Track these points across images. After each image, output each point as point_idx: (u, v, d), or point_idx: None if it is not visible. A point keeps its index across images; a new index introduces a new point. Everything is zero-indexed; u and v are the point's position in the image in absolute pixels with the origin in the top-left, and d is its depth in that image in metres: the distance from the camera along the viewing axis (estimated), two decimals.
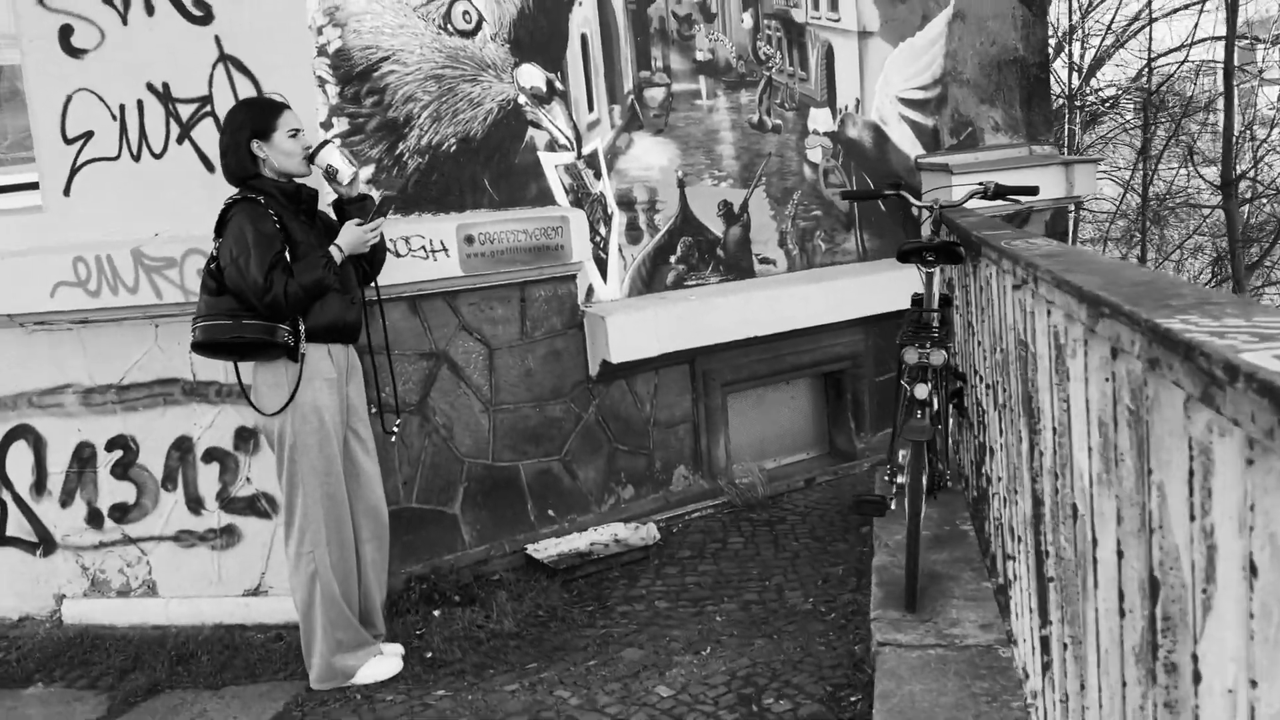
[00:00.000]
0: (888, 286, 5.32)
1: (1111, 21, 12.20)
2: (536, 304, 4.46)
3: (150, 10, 3.90)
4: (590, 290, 4.64)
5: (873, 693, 2.84)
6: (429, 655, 3.65)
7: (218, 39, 3.90)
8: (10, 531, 4.29)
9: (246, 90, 3.89)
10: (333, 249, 3.35)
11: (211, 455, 4.09)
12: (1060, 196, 6.13)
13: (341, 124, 3.99)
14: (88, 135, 3.99)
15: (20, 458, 4.23)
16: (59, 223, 4.03)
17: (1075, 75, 11.68)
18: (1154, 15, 11.22)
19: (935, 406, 3.41)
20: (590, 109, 4.62)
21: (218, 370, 3.99)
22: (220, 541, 4.13)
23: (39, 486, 4.23)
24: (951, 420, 3.36)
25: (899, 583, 3.51)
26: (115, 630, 4.13)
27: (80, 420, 4.15)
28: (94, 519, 4.19)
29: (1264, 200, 9.64)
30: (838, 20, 5.39)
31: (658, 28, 4.79)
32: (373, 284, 3.66)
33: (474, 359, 4.33)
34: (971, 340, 3.23)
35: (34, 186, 4.19)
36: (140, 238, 3.95)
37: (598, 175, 4.65)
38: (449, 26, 4.21)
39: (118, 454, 4.15)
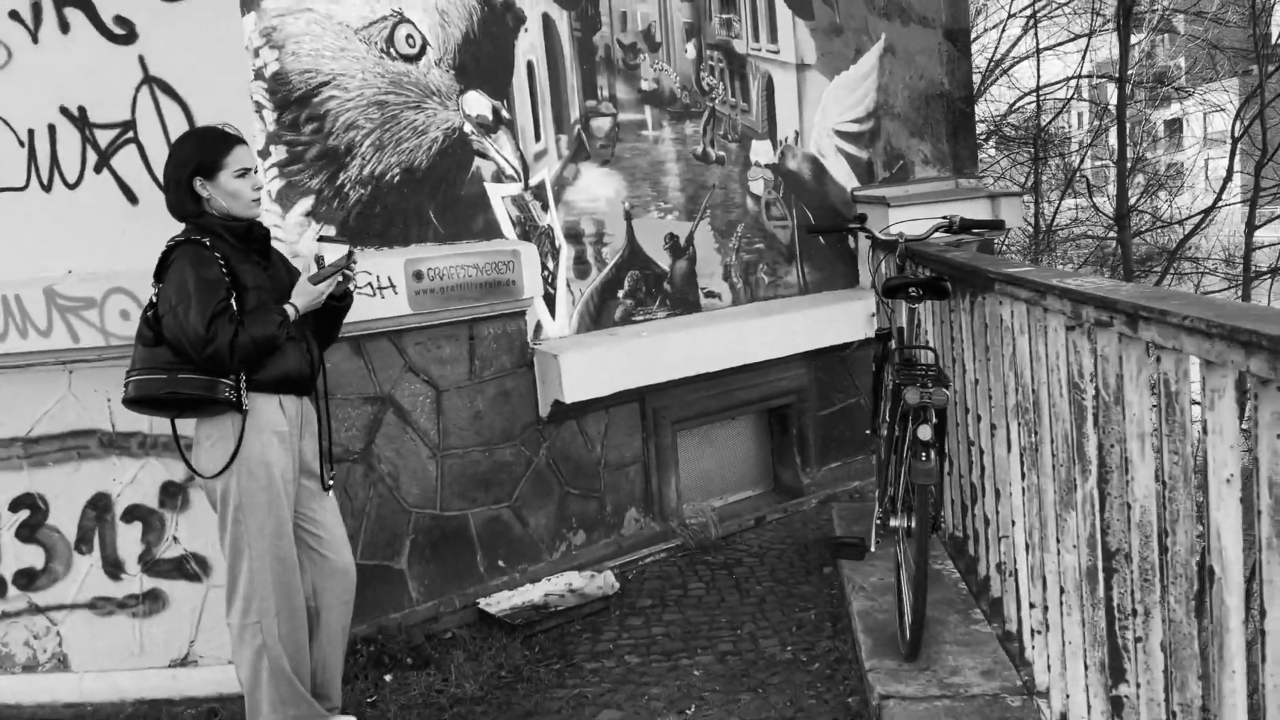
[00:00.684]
0: (831, 320, 5.28)
1: (994, 55, 12.59)
2: (486, 342, 4.23)
3: (65, 27, 3.57)
4: (539, 327, 4.43)
5: None
6: None
7: (142, 59, 3.58)
8: None
9: (174, 115, 3.59)
10: (288, 307, 3.07)
11: (133, 514, 3.72)
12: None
13: (280, 152, 3.70)
14: None
15: None
16: None
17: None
18: (1040, 48, 11.59)
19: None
20: (537, 138, 4.43)
21: (141, 419, 3.64)
22: (143, 608, 3.75)
23: None
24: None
25: (885, 629, 3.39)
26: (21, 711, 3.71)
27: None
28: None
29: (1156, 232, 10.03)
30: (777, 52, 5.33)
31: (603, 56, 4.64)
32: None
33: (421, 402, 4.07)
34: (964, 378, 3.15)
35: None
36: (52, 275, 3.59)
37: (545, 207, 4.46)
38: (392, 51, 3.97)
39: (24, 514, 3.74)
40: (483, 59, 4.23)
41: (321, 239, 3.21)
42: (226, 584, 3.11)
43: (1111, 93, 13.43)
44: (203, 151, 3.04)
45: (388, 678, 3.68)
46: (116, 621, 3.75)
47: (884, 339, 4.02)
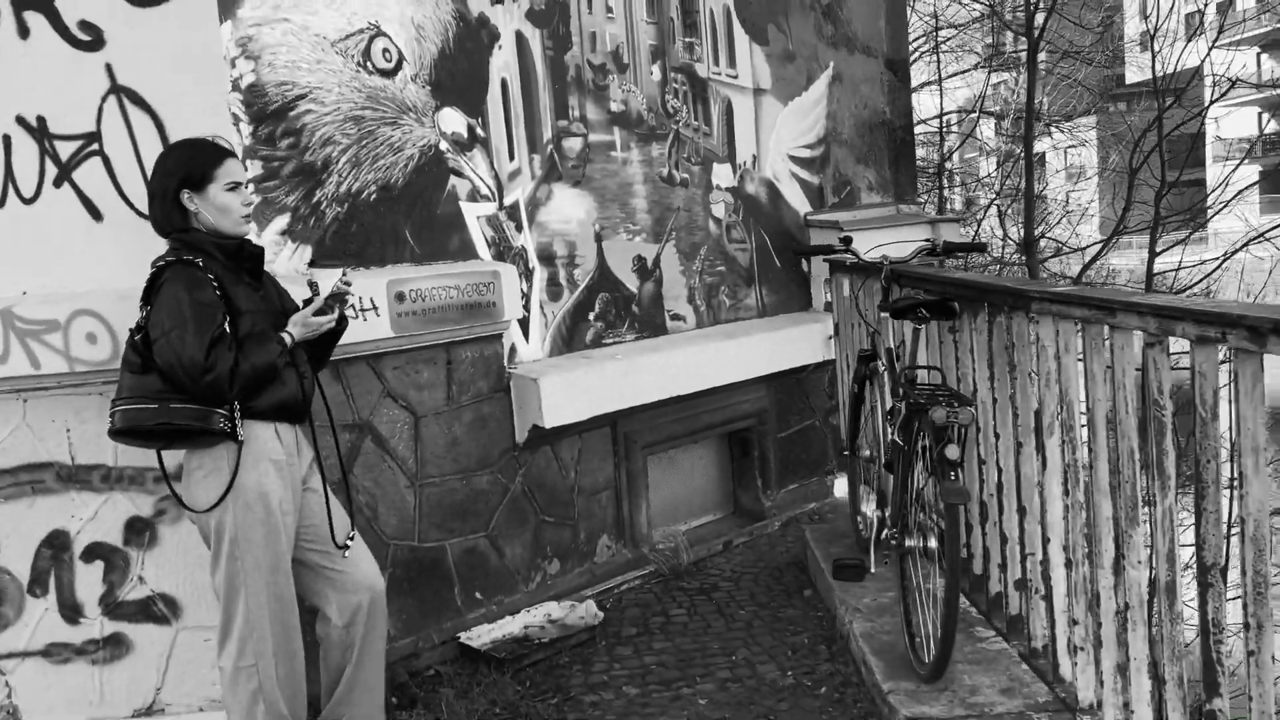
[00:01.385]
0: (792, 342, 5.31)
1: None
2: (463, 366, 4.09)
3: (24, 32, 3.33)
4: (513, 350, 4.31)
5: None
6: None
7: (109, 68, 3.36)
8: None
9: (145, 128, 3.38)
10: (285, 335, 2.90)
11: (94, 553, 3.46)
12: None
13: (255, 167, 3.52)
14: None
15: None
16: None
17: None
18: (943, 76, 11.93)
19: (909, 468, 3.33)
20: (511, 158, 4.33)
21: (104, 450, 3.40)
22: (103, 654, 3.49)
23: None
24: (924, 477, 3.27)
25: (893, 649, 3.38)
26: None
27: None
28: None
29: (1060, 258, 10.47)
30: (735, 77, 5.36)
31: (574, 76, 4.57)
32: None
33: (399, 429, 3.90)
34: (974, 397, 3.16)
35: None
36: (8, 296, 3.33)
37: (519, 228, 4.36)
38: (369, 64, 3.84)
39: None
40: (458, 75, 4.12)
41: (314, 264, 3.05)
42: (220, 624, 2.90)
43: (1011, 125, 13.92)
44: (192, 162, 2.86)
45: None
46: (74, 669, 3.47)
47: (867, 360, 4.04)
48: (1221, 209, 9.69)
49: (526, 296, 4.37)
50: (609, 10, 4.71)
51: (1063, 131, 16.15)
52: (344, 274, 3.00)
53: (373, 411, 3.83)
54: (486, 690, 3.62)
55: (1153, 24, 9.62)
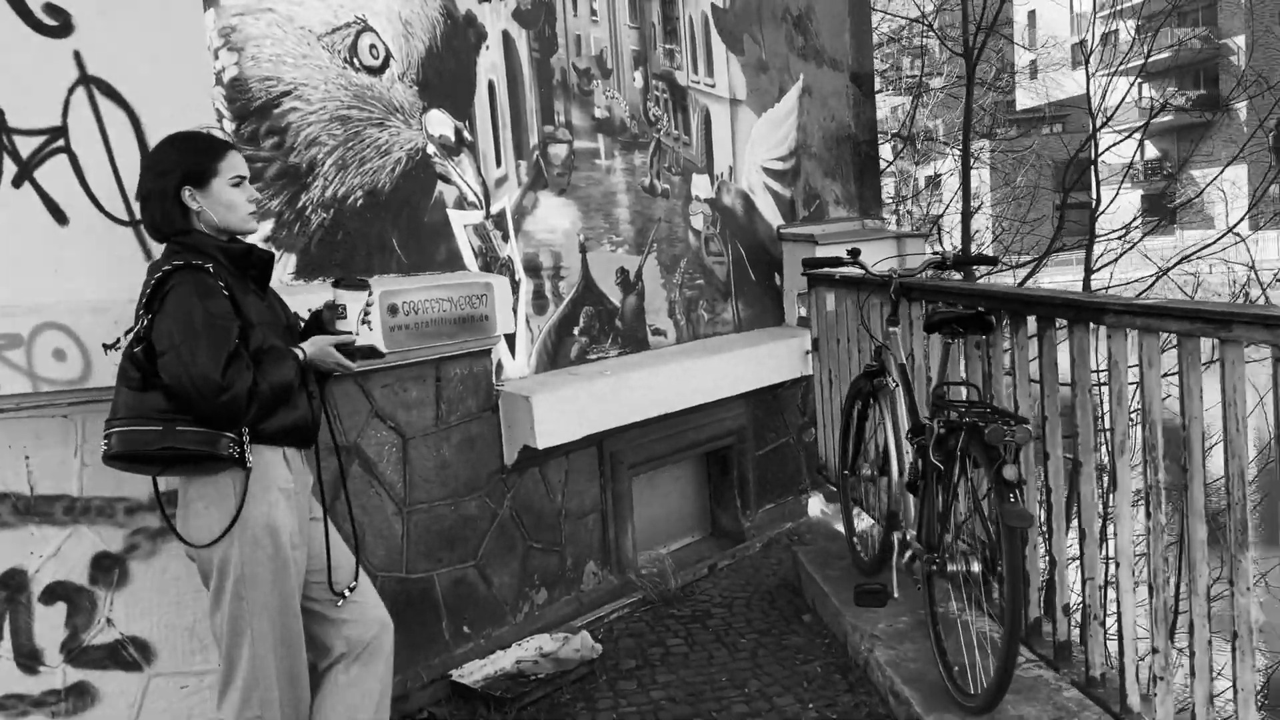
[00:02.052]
0: (772, 358, 5.18)
1: None
2: (452, 384, 3.84)
3: None
4: (499, 366, 4.08)
5: None
6: None
7: (78, 56, 3.04)
8: None
9: (118, 123, 3.06)
10: (298, 351, 2.64)
11: (55, 593, 3.10)
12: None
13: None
14: None
15: None
16: None
17: None
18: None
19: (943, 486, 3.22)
20: (498, 164, 4.11)
21: (67, 479, 3.06)
22: (65, 706, 3.13)
23: None
24: (966, 498, 3.13)
25: (923, 678, 3.24)
26: None
27: None
28: None
29: (988, 278, 10.62)
30: (713, 86, 5.22)
31: (560, 80, 4.37)
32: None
33: (387, 451, 3.64)
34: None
35: None
36: None
37: (505, 237, 4.13)
38: (355, 61, 3.58)
39: None
40: (445, 75, 3.88)
41: (337, 283, 2.78)
42: (221, 672, 2.61)
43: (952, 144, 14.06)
44: (192, 157, 2.58)
45: None
46: None
47: (872, 375, 3.91)
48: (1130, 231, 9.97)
49: (513, 309, 4.15)
50: (593, 14, 4.52)
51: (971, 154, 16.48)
52: (370, 295, 2.75)
53: (360, 433, 3.55)
54: None
55: (1089, 45, 9.83)
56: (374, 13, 3.64)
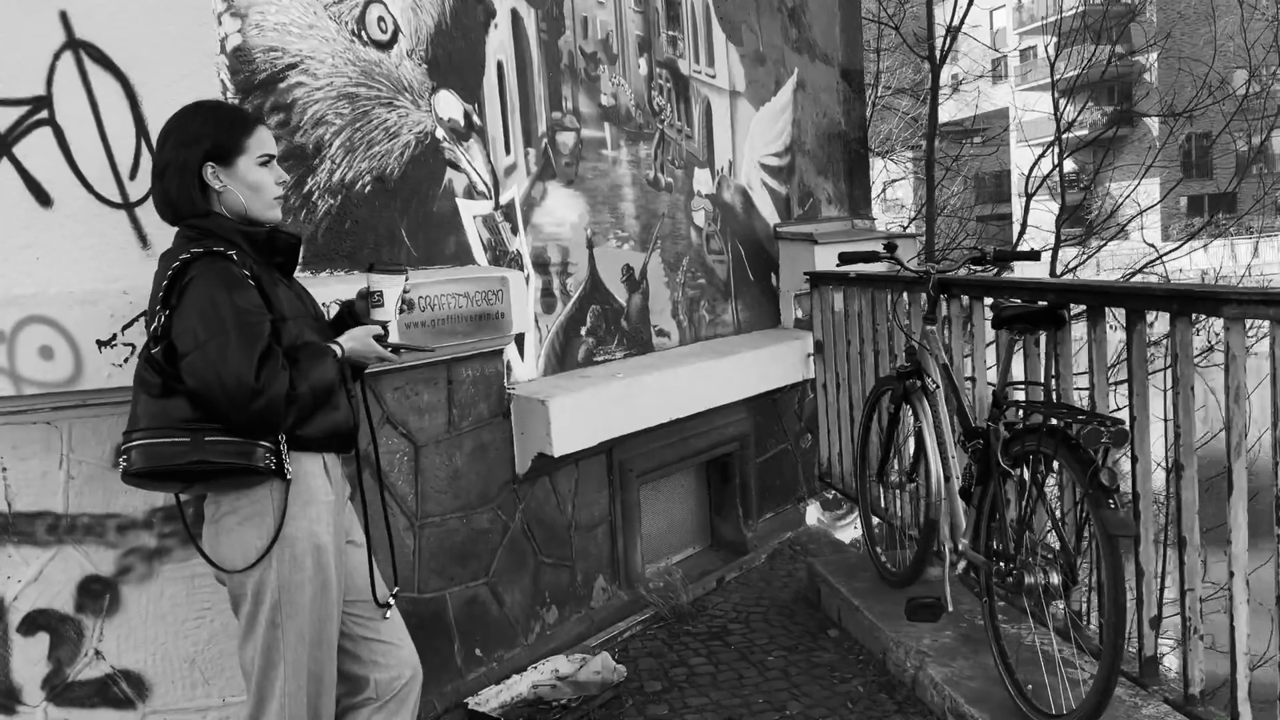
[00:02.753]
0: (776, 360, 4.98)
1: None
2: (464, 387, 3.55)
3: None
4: (508, 368, 3.80)
5: None
6: None
7: (65, 17, 2.71)
8: None
9: (110, 93, 2.73)
10: (334, 347, 2.34)
11: (36, 623, 2.75)
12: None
13: None
14: None
15: None
16: None
17: None
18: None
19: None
20: (507, 151, 3.83)
21: (50, 494, 2.72)
22: None
23: None
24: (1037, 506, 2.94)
25: (989, 698, 3.05)
26: None
27: None
28: None
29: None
30: (714, 77, 5.00)
31: (567, 64, 4.11)
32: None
33: (399, 460, 3.33)
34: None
35: None
36: None
37: (514, 230, 3.85)
38: (363, 34, 3.28)
39: None
40: (454, 54, 3.60)
41: (372, 268, 2.49)
42: (249, 709, 2.29)
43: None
44: (219, 129, 2.27)
45: None
46: None
47: (905, 376, 3.72)
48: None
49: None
50: None
51: (895, 162, 16.59)
52: (406, 280, 2.47)
53: (370, 441, 3.24)
54: None
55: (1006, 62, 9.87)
56: None
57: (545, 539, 3.89)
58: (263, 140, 2.32)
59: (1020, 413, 3.00)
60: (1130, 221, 9.92)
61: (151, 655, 2.80)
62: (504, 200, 3.80)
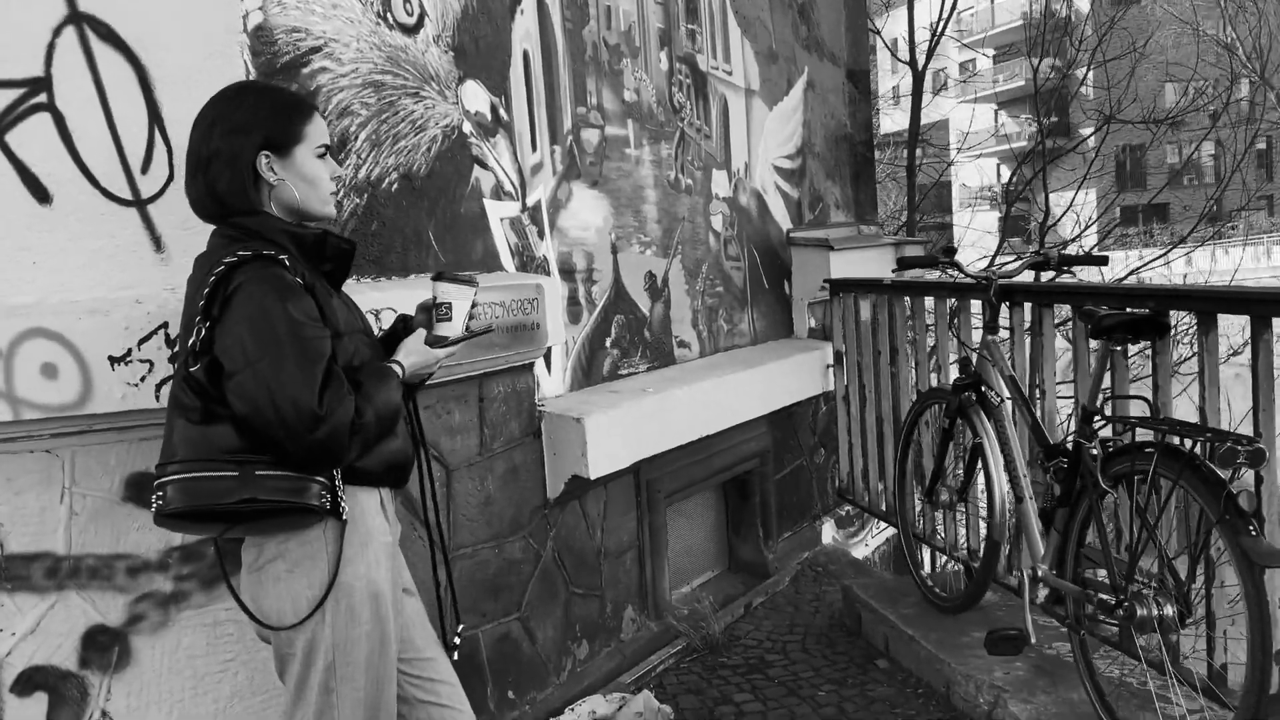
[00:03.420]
0: (798, 372, 4.75)
1: None
2: (495, 404, 3.25)
3: None
4: (536, 384, 3.50)
5: None
6: None
7: None
8: None
9: (118, 75, 2.40)
10: (394, 366, 2.03)
11: (33, 681, 2.39)
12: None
13: None
14: None
15: None
16: None
17: None
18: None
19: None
20: (534, 148, 3.54)
21: (49, 533, 2.37)
22: None
23: None
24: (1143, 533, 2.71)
25: None
26: None
27: None
28: None
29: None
30: (730, 74, 4.76)
31: (592, 55, 3.83)
32: None
33: (429, 487, 3.01)
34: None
35: None
36: None
37: (541, 234, 3.56)
38: (389, 17, 2.97)
39: None
40: (481, 41, 3.30)
41: (440, 276, 2.19)
42: None
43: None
44: (276, 116, 1.96)
45: None
46: None
47: (962, 390, 3.50)
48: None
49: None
50: None
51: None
52: (477, 292, 2.17)
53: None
54: None
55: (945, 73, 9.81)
56: None
57: (575, 567, 3.60)
58: (320, 129, 2.02)
59: (1117, 428, 2.78)
60: (1079, 235, 9.89)
61: (168, 715, 2.45)
62: (530, 201, 3.51)
